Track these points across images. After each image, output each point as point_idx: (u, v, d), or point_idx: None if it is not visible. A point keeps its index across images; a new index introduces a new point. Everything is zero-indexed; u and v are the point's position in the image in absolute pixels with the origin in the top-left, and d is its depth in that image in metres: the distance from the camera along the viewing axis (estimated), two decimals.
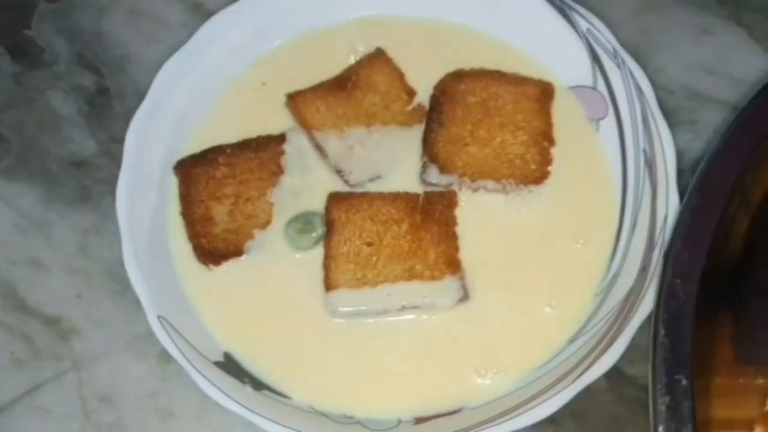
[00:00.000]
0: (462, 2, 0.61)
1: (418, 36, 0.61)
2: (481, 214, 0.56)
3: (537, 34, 0.59)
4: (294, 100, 0.58)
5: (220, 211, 0.56)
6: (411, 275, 0.53)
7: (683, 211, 0.48)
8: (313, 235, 0.55)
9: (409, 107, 0.59)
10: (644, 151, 0.55)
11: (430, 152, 0.57)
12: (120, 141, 0.56)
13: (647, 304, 0.51)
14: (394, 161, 0.57)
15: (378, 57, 0.60)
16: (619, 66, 0.57)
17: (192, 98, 0.59)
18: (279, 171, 0.57)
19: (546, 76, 0.59)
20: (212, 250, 0.55)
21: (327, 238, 0.55)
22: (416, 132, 0.58)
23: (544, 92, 0.58)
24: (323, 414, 0.52)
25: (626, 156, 0.56)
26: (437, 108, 0.58)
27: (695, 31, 0.63)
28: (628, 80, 0.56)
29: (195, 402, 0.54)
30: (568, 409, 0.52)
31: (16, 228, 0.60)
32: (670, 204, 0.53)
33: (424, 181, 0.57)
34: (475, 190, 0.56)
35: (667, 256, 0.47)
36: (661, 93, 0.60)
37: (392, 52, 0.61)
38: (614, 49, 0.57)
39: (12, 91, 0.64)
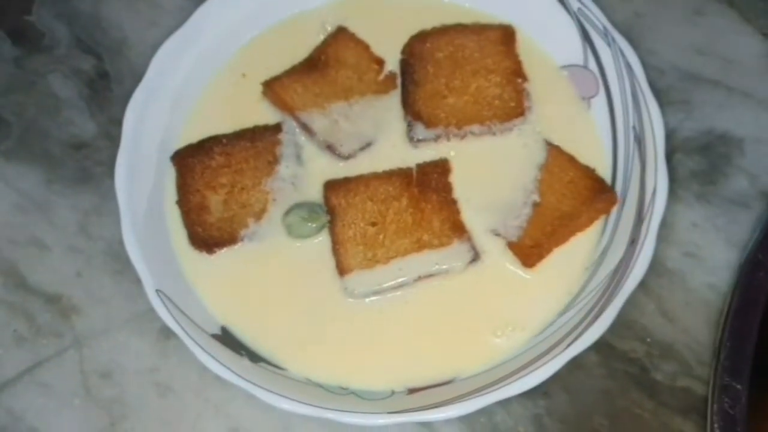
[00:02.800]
0: None
1: (392, 10, 0.62)
2: (476, 167, 0.58)
3: (528, 13, 0.60)
4: (271, 87, 0.59)
5: (215, 200, 0.56)
6: (420, 246, 0.54)
7: (729, 309, 0.51)
8: (316, 225, 0.56)
9: (381, 75, 0.60)
10: (634, 127, 0.56)
11: (412, 111, 0.58)
12: (119, 123, 0.57)
13: (635, 276, 0.51)
14: (380, 128, 0.58)
15: (341, 34, 0.61)
16: (609, 44, 0.57)
17: (187, 80, 0.59)
18: (275, 160, 0.57)
19: (538, 55, 0.60)
20: (207, 238, 0.56)
21: (331, 225, 0.55)
22: (394, 96, 0.59)
23: (506, 34, 0.59)
24: (319, 385, 0.53)
25: (616, 132, 0.57)
26: (409, 70, 0.59)
27: (687, 12, 0.64)
28: (618, 58, 0.57)
29: (194, 377, 0.55)
30: (560, 383, 0.53)
31: (18, 208, 0.61)
32: (659, 177, 0.53)
33: (412, 139, 0.58)
34: (463, 138, 0.58)
35: (718, 354, 0.50)
36: (654, 73, 0.60)
37: (357, 28, 0.61)
38: (604, 28, 0.57)
39: (13, 74, 0.65)
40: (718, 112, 0.60)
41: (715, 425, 0.48)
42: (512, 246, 0.55)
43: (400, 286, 0.54)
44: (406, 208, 0.55)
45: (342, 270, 0.54)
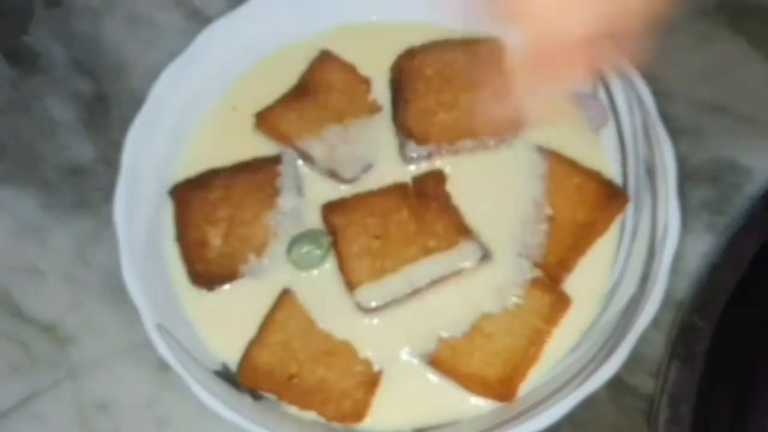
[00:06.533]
0: (460, 7, 0.60)
1: (379, 35, 0.61)
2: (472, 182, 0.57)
3: None
4: (264, 118, 0.58)
5: (214, 235, 0.56)
6: (427, 251, 0.54)
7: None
8: (321, 250, 0.55)
9: (371, 95, 0.60)
10: (645, 159, 0.55)
11: (403, 129, 0.58)
12: (118, 147, 0.56)
13: (648, 312, 0.50)
14: (378, 148, 0.58)
15: (325, 57, 0.60)
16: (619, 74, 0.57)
17: (185, 111, 0.59)
18: (274, 193, 0.56)
19: None
20: (207, 275, 0.55)
21: (334, 244, 0.55)
22: (387, 115, 0.59)
23: (494, 48, 0.58)
24: (323, 424, 0.52)
25: (627, 164, 0.56)
26: (398, 88, 0.59)
27: (694, 39, 0.63)
28: (629, 89, 0.56)
29: (192, 411, 0.54)
30: (569, 419, 0.52)
31: (13, 234, 0.60)
32: (670, 212, 0.53)
33: (405, 158, 0.57)
34: (456, 153, 0.57)
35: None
36: (661, 100, 0.59)
37: (345, 54, 0.61)
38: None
39: (9, 96, 0.64)
40: (727, 140, 0.60)
41: None
42: (540, 266, 0.54)
43: (415, 292, 0.54)
44: (407, 218, 0.55)
45: (351, 285, 0.54)
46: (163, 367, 0.54)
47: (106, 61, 0.65)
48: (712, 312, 0.51)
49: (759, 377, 0.52)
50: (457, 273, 0.54)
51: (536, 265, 0.54)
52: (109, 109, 0.63)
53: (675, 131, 0.58)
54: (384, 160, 0.58)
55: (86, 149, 0.62)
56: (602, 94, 0.58)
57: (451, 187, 0.57)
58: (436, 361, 0.52)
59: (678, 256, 0.55)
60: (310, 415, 0.52)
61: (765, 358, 0.52)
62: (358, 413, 0.52)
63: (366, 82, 0.60)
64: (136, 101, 0.57)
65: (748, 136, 0.60)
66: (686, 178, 0.58)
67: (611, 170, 0.57)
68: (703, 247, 0.57)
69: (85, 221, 0.60)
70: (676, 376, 0.50)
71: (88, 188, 0.61)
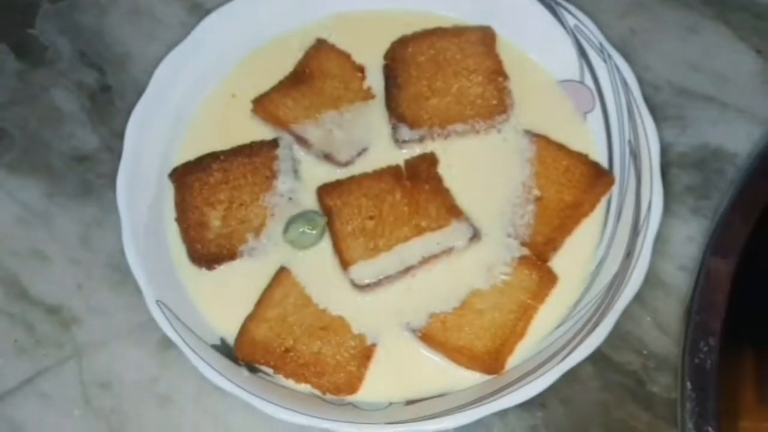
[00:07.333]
0: None
1: (373, 24, 0.63)
2: (463, 165, 0.58)
3: (526, 30, 0.61)
4: (262, 103, 0.60)
5: (213, 217, 0.57)
6: (419, 231, 0.55)
7: (702, 268, 0.52)
8: (317, 230, 0.56)
9: (366, 82, 0.61)
10: (629, 142, 0.57)
11: (395, 114, 0.59)
12: (121, 136, 0.58)
13: (631, 289, 0.52)
14: (373, 132, 0.60)
15: (321, 46, 0.62)
16: (605, 61, 0.58)
17: (186, 97, 0.60)
18: (272, 175, 0.58)
19: (535, 71, 0.61)
20: (206, 255, 0.56)
21: (329, 225, 0.56)
22: (381, 101, 0.60)
23: (485, 35, 0.60)
24: (317, 396, 0.53)
25: (612, 147, 0.58)
26: (392, 74, 0.60)
27: (682, 29, 0.64)
28: (614, 74, 0.58)
29: (193, 388, 0.56)
30: (557, 395, 0.54)
31: (19, 220, 0.62)
32: (654, 192, 0.54)
33: (397, 141, 0.59)
34: (447, 137, 0.59)
35: (689, 311, 0.51)
36: (649, 89, 0.61)
37: (340, 42, 0.62)
38: (600, 45, 0.58)
39: (16, 88, 0.66)
40: (712, 128, 0.61)
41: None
42: (527, 245, 0.55)
43: (407, 270, 0.55)
44: (400, 199, 0.56)
45: (345, 263, 0.55)
46: (164, 346, 0.56)
47: (109, 53, 0.66)
48: None
49: None
50: (448, 252, 0.55)
51: (524, 244, 0.56)
52: (113, 99, 0.65)
53: (662, 119, 0.60)
54: (378, 144, 0.59)
55: (91, 138, 0.64)
56: (589, 80, 0.59)
57: (442, 169, 0.58)
58: (427, 336, 0.54)
59: (664, 240, 0.57)
60: (306, 387, 0.54)
61: None
62: (352, 385, 0.53)
63: (360, 69, 0.61)
64: (138, 92, 0.59)
65: (732, 123, 0.61)
66: (672, 163, 0.60)
67: (597, 153, 0.59)
68: (689, 230, 0.58)
69: (90, 207, 0.61)
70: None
71: (92, 176, 0.63)
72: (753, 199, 0.54)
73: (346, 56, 0.61)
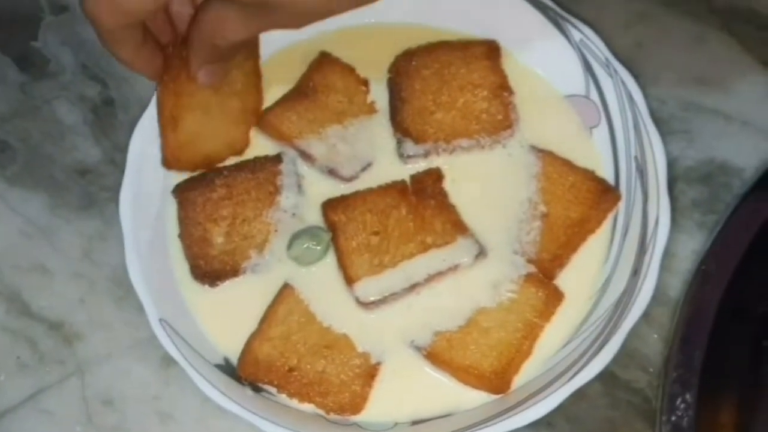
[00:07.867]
0: (458, 10, 0.62)
1: (376, 37, 0.62)
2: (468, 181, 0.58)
3: (531, 44, 0.60)
4: (265, 118, 0.59)
5: (216, 233, 0.57)
6: (425, 247, 0.55)
7: (679, 320, 0.52)
8: (321, 246, 0.56)
9: (370, 95, 0.61)
10: (635, 157, 0.56)
11: (400, 128, 0.59)
12: (124, 149, 0.57)
13: (639, 307, 0.52)
14: (377, 147, 0.59)
15: (325, 59, 0.61)
16: (611, 75, 0.58)
17: None
18: (275, 191, 0.57)
19: (541, 86, 0.61)
20: (209, 271, 0.56)
21: (334, 240, 0.56)
22: (386, 115, 0.60)
23: (491, 49, 0.60)
24: (321, 416, 0.53)
25: (618, 162, 0.57)
26: (396, 88, 0.60)
27: (688, 41, 0.64)
28: (620, 89, 0.57)
29: (196, 405, 0.55)
30: (564, 413, 0.53)
31: (22, 234, 0.61)
32: (661, 208, 0.54)
33: (402, 156, 0.58)
34: (452, 152, 0.58)
35: (667, 364, 0.50)
36: (655, 102, 0.61)
37: (343, 55, 0.62)
38: (606, 59, 0.58)
39: (18, 100, 0.65)
40: (718, 141, 0.61)
41: None
42: (533, 262, 0.55)
43: (413, 287, 0.54)
44: (406, 215, 0.56)
45: (350, 279, 0.54)
46: (167, 363, 0.56)
47: (112, 66, 0.66)
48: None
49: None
50: (454, 269, 0.55)
51: (530, 261, 0.55)
52: (115, 112, 0.65)
53: (667, 133, 0.60)
54: (382, 159, 0.59)
55: (93, 151, 0.63)
56: (594, 95, 0.59)
57: (448, 185, 0.58)
58: (432, 354, 0.53)
59: (670, 255, 0.56)
60: (309, 407, 0.53)
61: None
62: (356, 405, 0.53)
63: (365, 83, 0.61)
64: (141, 105, 0.59)
65: (738, 136, 0.61)
66: (678, 178, 0.59)
67: (603, 169, 0.58)
68: (695, 245, 0.58)
69: (92, 221, 0.61)
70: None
71: (94, 189, 0.62)
72: (737, 241, 0.54)
73: (350, 70, 0.61)
